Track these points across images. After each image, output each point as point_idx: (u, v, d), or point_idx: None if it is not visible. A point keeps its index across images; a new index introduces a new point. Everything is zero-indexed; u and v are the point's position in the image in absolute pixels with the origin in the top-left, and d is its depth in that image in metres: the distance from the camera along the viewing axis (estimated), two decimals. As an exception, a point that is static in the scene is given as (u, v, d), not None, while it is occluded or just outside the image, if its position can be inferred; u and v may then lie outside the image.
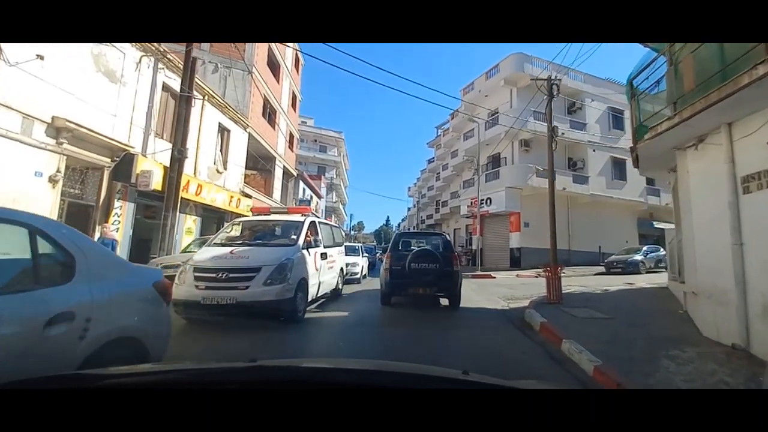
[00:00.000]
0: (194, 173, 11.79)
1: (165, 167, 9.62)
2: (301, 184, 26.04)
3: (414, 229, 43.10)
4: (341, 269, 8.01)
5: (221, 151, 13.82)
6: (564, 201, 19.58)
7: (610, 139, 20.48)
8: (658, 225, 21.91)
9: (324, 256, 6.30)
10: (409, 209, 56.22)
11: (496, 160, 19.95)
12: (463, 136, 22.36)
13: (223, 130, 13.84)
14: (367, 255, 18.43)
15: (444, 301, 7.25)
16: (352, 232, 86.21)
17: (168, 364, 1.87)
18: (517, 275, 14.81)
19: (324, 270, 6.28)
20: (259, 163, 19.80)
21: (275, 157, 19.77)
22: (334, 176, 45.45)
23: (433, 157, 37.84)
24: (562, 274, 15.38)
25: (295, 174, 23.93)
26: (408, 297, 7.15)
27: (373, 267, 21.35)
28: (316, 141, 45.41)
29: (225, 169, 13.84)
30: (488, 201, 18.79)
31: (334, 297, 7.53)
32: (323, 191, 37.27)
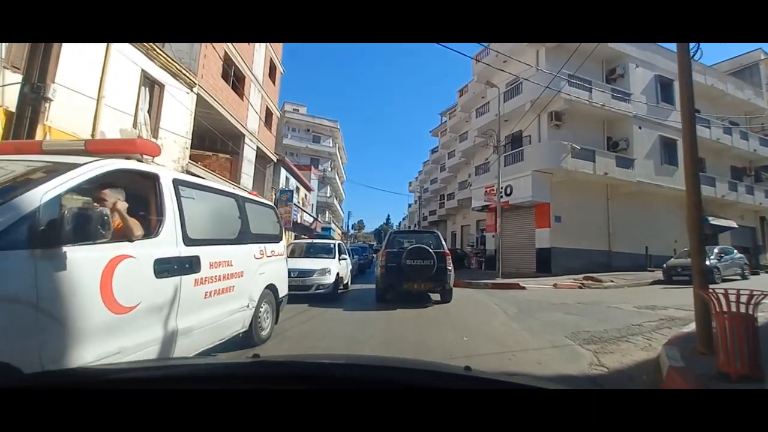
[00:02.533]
0: (93, 134, 8.02)
1: (10, 113, 5.88)
2: (284, 173, 22.23)
3: (415, 226, 39.88)
4: (271, 290, 4.15)
5: (149, 112, 10.03)
6: (602, 190, 15.74)
7: (657, 113, 16.57)
8: (714, 221, 18.00)
9: (186, 266, 2.47)
10: (409, 206, 52.34)
11: (517, 140, 16.07)
12: (475, 112, 18.50)
13: (151, 84, 10.04)
14: (355, 257, 14.65)
15: (436, 297, 7.49)
16: (352, 231, 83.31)
17: (169, 359, 1.70)
18: (555, 285, 10.92)
19: (190, 300, 2.47)
20: (225, 145, 16.03)
21: (243, 135, 15.95)
22: (329, 168, 41.71)
23: (437, 146, 33.97)
24: (610, 284, 11.51)
25: (274, 159, 20.12)
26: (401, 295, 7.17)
27: (365, 270, 17.55)
28: (308, 130, 41.73)
29: (154, 137, 10.06)
30: (508, 189, 14.92)
31: (246, 344, 3.72)
32: (315, 184, 33.48)
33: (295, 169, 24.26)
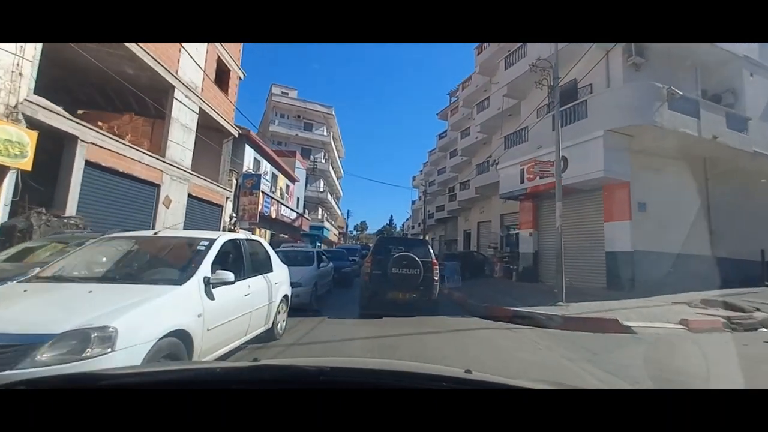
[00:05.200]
0: None
1: None
2: (252, 153, 17.32)
3: (419, 225, 35.74)
4: None
5: None
6: (698, 165, 10.62)
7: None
8: None
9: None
10: (413, 203, 47.29)
11: (569, 95, 10.97)
12: (504, 63, 13.42)
13: None
14: (330, 263, 9.69)
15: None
16: (355, 232, 79.08)
17: (170, 364, 1.64)
18: (687, 325, 5.80)
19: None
20: (161, 114, 11.16)
21: (172, 87, 11.03)
22: (322, 160, 36.82)
23: (446, 130, 28.94)
24: (765, 316, 6.47)
25: (234, 133, 15.18)
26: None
27: (352, 281, 12.57)
28: (299, 117, 36.92)
29: None
30: (562, 164, 9.82)
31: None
32: (302, 175, 28.58)
33: (268, 150, 19.36)
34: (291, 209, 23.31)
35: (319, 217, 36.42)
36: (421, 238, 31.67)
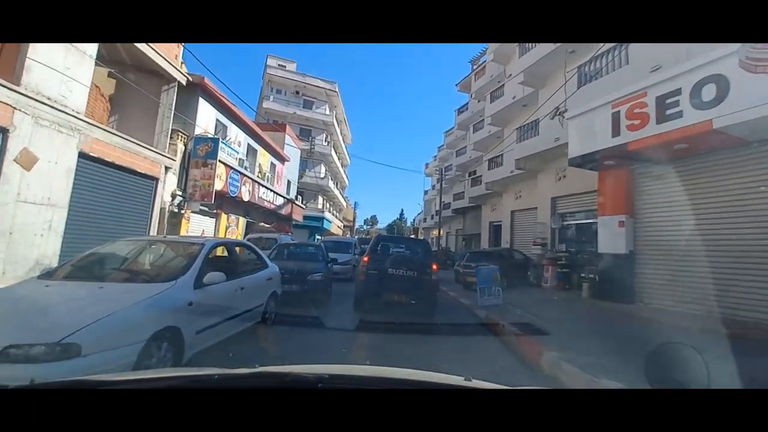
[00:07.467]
0: None
1: None
2: (212, 112, 12.95)
3: (432, 218, 31.32)
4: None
5: None
6: None
7: None
8: None
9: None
10: (425, 193, 42.53)
11: None
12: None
13: None
14: (275, 268, 5.19)
15: None
16: (365, 226, 75.53)
17: (168, 370, 1.66)
18: None
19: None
20: None
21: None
22: (324, 142, 32.45)
23: (466, 104, 24.14)
24: None
25: (180, 78, 10.79)
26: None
27: (327, 297, 8.01)
28: (298, 92, 32.54)
29: None
30: (715, 91, 5.10)
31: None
32: (295, 155, 24.26)
33: (240, 113, 14.93)
34: (276, 193, 18.94)
35: (319, 206, 32.12)
36: (422, 238, 27.15)
